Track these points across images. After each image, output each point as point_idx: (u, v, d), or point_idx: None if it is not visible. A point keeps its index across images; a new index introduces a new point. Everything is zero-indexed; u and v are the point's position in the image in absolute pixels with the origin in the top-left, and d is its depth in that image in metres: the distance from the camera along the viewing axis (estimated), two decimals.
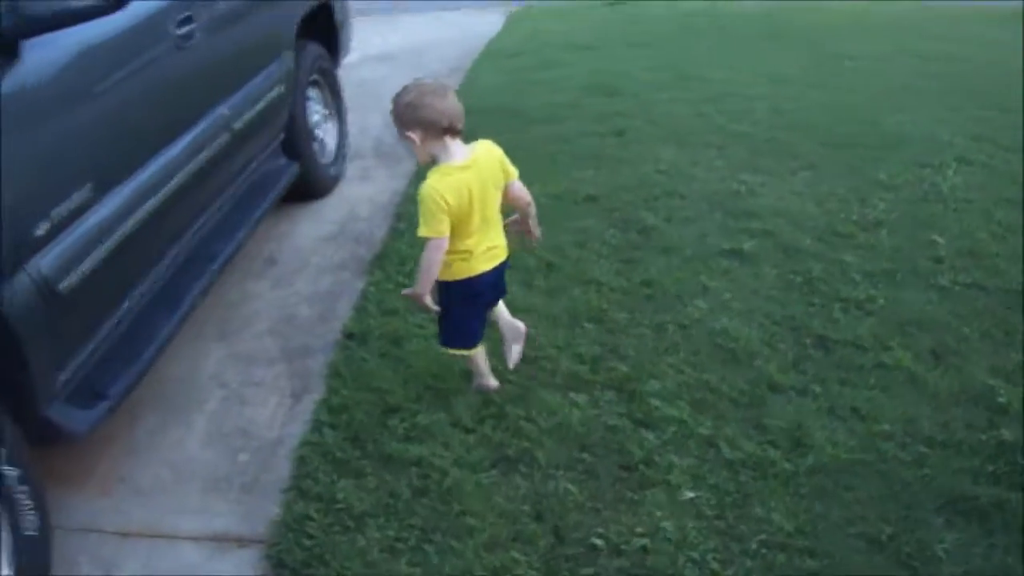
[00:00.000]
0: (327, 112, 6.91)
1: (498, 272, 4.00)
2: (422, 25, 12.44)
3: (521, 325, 4.32)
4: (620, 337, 4.59)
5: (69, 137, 3.48)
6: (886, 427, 3.90)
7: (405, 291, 4.01)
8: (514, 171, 3.94)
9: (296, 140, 6.10)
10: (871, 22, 11.45)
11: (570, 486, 3.66)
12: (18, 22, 3.12)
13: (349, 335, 4.83)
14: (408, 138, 3.72)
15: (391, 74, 10.04)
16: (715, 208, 5.94)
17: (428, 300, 3.82)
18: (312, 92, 6.57)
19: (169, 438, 4.25)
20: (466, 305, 4.00)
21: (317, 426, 4.17)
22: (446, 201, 3.63)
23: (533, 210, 4.10)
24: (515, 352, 4.34)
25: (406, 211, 6.15)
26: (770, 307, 4.78)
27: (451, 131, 3.69)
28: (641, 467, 3.73)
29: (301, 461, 3.97)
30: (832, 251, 5.33)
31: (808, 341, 4.50)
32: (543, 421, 4.02)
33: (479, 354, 4.20)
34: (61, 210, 3.37)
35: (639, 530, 3.43)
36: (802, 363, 4.35)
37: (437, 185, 3.65)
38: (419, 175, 6.60)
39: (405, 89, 3.75)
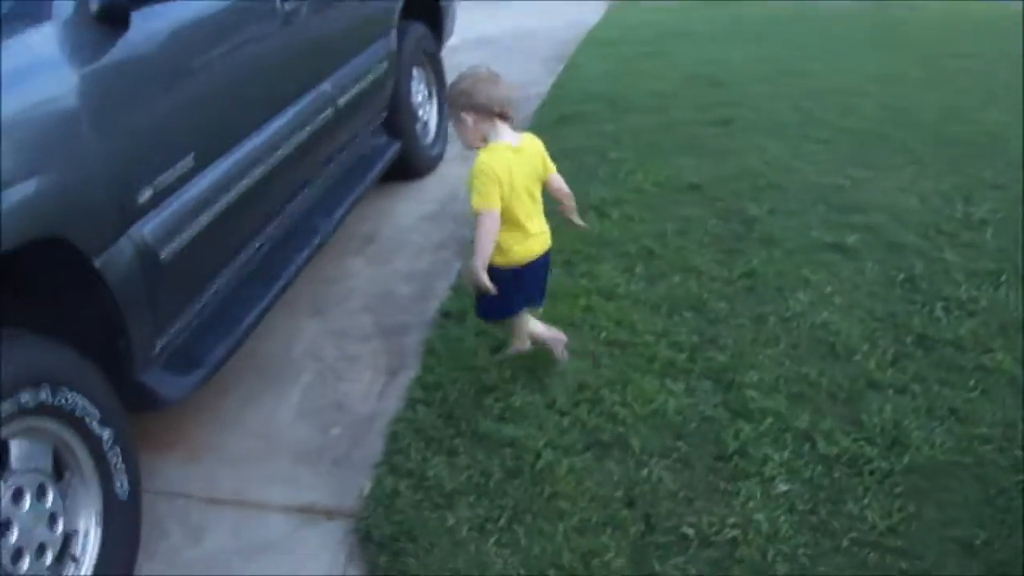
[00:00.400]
0: (429, 93, 6.91)
1: (545, 259, 4.13)
2: (524, 12, 12.41)
3: (560, 333, 4.31)
4: (719, 327, 4.53)
5: (174, 107, 3.52)
6: (984, 430, 3.79)
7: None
8: (552, 166, 4.10)
9: (399, 119, 6.12)
10: (971, 22, 11.23)
11: (663, 474, 3.61)
12: None
13: (446, 314, 4.82)
14: (461, 120, 3.92)
15: (492, 58, 9.95)
16: (819, 201, 5.84)
17: (484, 276, 3.82)
18: (415, 72, 6.57)
19: (261, 409, 4.28)
20: (511, 288, 4.02)
21: (411, 403, 4.16)
22: (497, 175, 3.78)
23: (572, 203, 4.26)
24: (559, 351, 4.30)
25: None
26: (871, 303, 4.69)
27: (502, 116, 3.88)
28: (736, 458, 3.67)
29: (393, 437, 3.96)
30: (935, 249, 5.21)
31: (908, 339, 4.40)
32: (638, 407, 3.97)
33: (531, 321, 4.24)
34: (165, 178, 3.41)
35: (731, 521, 3.37)
36: (902, 361, 4.25)
37: (489, 160, 3.82)
38: None
39: (460, 76, 4.00)
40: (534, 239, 4.01)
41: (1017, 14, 10.85)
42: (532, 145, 4.00)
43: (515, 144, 3.91)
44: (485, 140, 3.92)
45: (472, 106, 3.87)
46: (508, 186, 3.82)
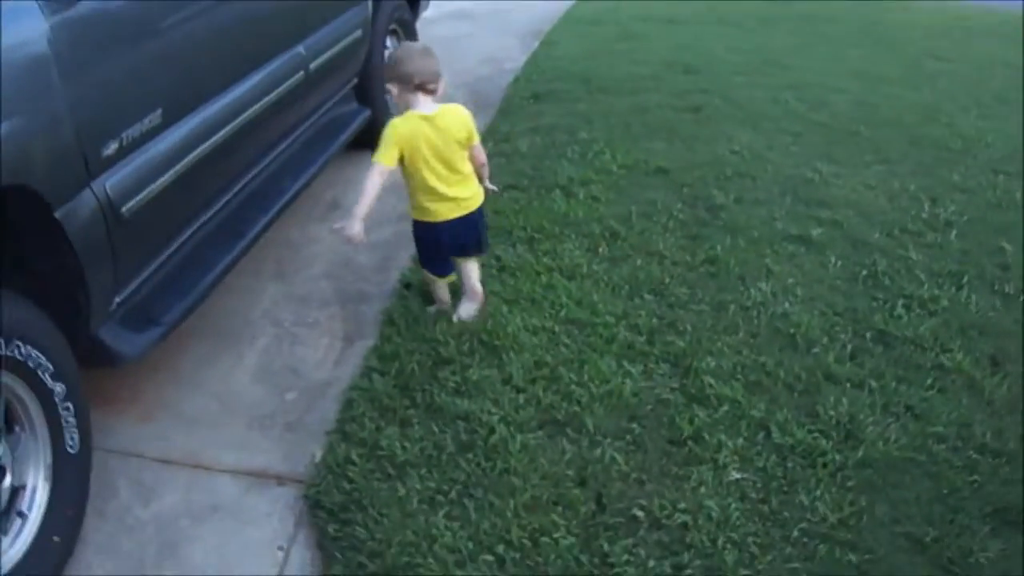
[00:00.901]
0: None
1: (462, 222, 4.30)
2: None
3: (479, 289, 4.55)
4: (679, 312, 4.53)
5: (144, 61, 3.47)
6: (940, 429, 3.81)
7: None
8: (476, 137, 4.29)
9: (369, 87, 6.08)
10: (963, 27, 11.25)
11: (616, 455, 3.61)
12: None
13: (406, 285, 4.82)
14: (388, 90, 4.28)
15: (468, 32, 10.01)
16: (786, 193, 5.84)
17: (359, 225, 4.07)
18: (390, 41, 6.53)
19: (217, 370, 4.26)
20: (428, 244, 4.42)
21: (367, 372, 4.15)
22: (399, 135, 4.08)
23: (486, 171, 4.50)
24: (463, 309, 4.53)
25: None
26: (833, 297, 4.70)
27: (422, 88, 4.13)
28: (690, 443, 3.68)
29: (348, 405, 3.96)
30: (900, 247, 5.23)
31: (868, 335, 4.42)
32: (595, 387, 3.97)
33: (441, 285, 4.54)
34: (131, 132, 3.37)
35: (682, 506, 3.37)
36: (860, 356, 4.27)
37: (396, 122, 4.13)
38: (490, 131, 6.64)
39: (396, 49, 4.38)
40: (447, 203, 4.24)
41: (1017, 19, 10.90)
42: (449, 115, 4.18)
43: (428, 113, 4.12)
44: (408, 108, 4.17)
45: (397, 77, 4.17)
46: (411, 149, 4.10)
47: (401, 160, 4.13)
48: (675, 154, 6.44)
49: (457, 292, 4.59)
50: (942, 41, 10.31)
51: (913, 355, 4.29)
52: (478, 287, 4.54)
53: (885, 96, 8.04)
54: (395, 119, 4.16)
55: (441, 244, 4.37)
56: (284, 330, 4.55)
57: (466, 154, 4.26)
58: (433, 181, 4.17)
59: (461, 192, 4.26)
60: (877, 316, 4.55)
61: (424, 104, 4.15)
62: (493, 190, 4.61)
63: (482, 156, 4.44)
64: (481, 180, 4.44)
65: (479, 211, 4.36)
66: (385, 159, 4.08)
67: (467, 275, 4.52)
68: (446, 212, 4.25)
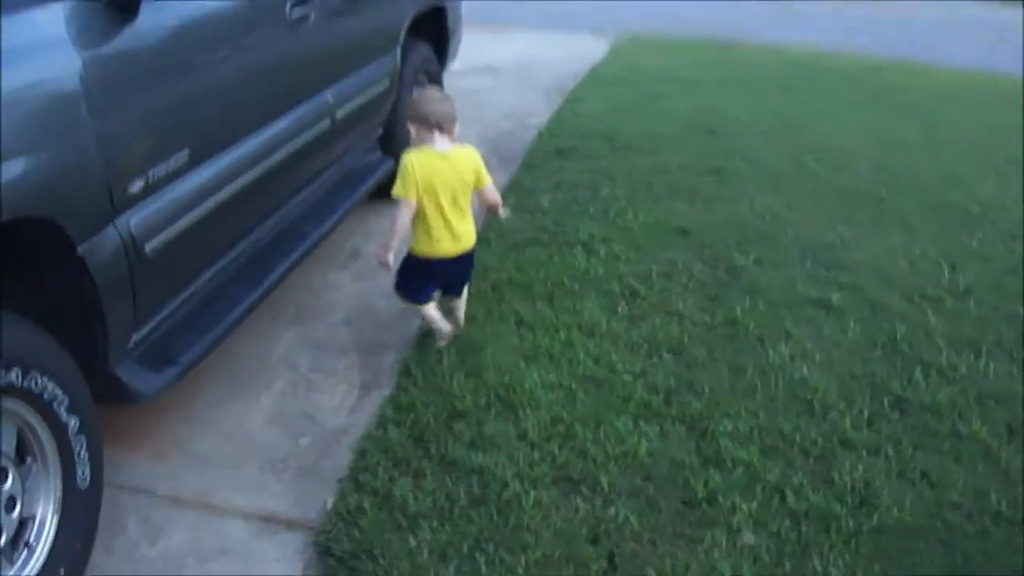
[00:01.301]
0: None
1: (459, 260, 4.56)
2: (528, 42, 12.42)
3: (462, 323, 4.82)
4: (697, 372, 4.52)
5: (174, 101, 3.50)
6: (955, 497, 3.79)
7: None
8: (487, 178, 4.57)
9: (394, 137, 6.08)
10: (974, 93, 11.26)
11: (630, 515, 3.58)
12: None
13: (425, 335, 4.79)
14: (408, 130, 4.52)
15: (493, 86, 10.04)
16: (806, 256, 5.83)
17: (390, 256, 4.38)
18: (416, 93, 6.54)
19: (232, 412, 4.24)
20: (422, 277, 4.59)
21: (382, 421, 4.14)
22: (417, 170, 4.30)
23: (501, 211, 4.80)
24: (443, 338, 4.72)
25: (495, 222, 6.11)
26: (851, 362, 4.68)
27: (439, 127, 4.41)
28: (704, 505, 3.66)
29: (362, 454, 3.94)
30: (919, 313, 5.22)
31: (886, 400, 4.39)
32: (610, 446, 3.95)
33: (428, 308, 4.67)
34: (157, 171, 3.39)
35: (694, 568, 3.35)
36: (877, 422, 4.25)
37: (412, 157, 4.35)
38: (512, 186, 6.65)
39: (418, 93, 4.70)
40: (447, 239, 4.47)
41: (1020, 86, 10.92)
42: (463, 156, 4.47)
43: (443, 151, 4.40)
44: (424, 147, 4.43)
45: (416, 117, 4.47)
46: (425, 184, 4.32)
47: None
48: (696, 214, 6.43)
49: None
50: (956, 107, 10.32)
51: (930, 422, 4.26)
52: (462, 320, 4.83)
53: (904, 161, 8.04)
54: (411, 153, 4.38)
55: (434, 278, 4.60)
56: (301, 375, 4.53)
57: (470, 194, 4.51)
58: (441, 217, 4.41)
59: (464, 230, 4.52)
60: (895, 382, 4.52)
61: (440, 143, 4.41)
62: (508, 215, 4.95)
63: (496, 197, 4.71)
64: (496, 209, 4.75)
65: (474, 251, 4.62)
66: (410, 194, 4.31)
67: (458, 309, 4.81)
68: (448, 248, 4.48)
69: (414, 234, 4.48)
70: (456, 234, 4.47)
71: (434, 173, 4.34)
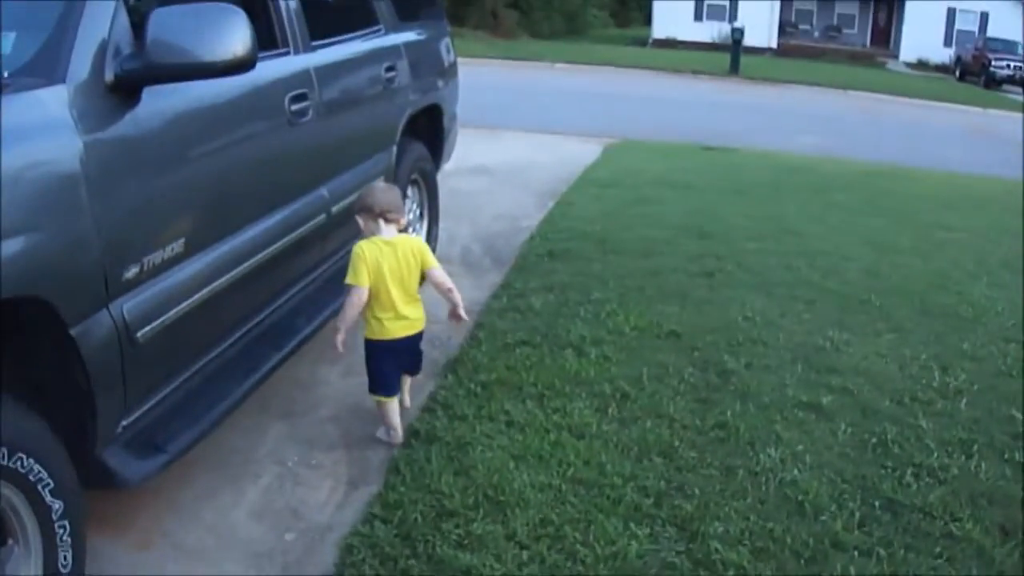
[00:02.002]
0: (420, 212, 6.94)
1: (411, 340, 4.78)
2: (521, 145, 12.55)
3: (408, 404, 5.04)
4: (688, 475, 4.48)
5: (172, 189, 3.54)
6: None
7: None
8: (433, 262, 4.83)
9: None
10: (970, 196, 11.37)
11: None
12: (145, 67, 3.22)
13: (414, 434, 4.77)
14: (356, 220, 4.71)
15: (486, 188, 10.12)
16: (797, 360, 5.84)
17: (339, 339, 4.58)
18: (410, 191, 6.60)
19: (217, 504, 4.20)
20: (384, 360, 4.73)
21: (369, 519, 4.08)
22: (367, 257, 4.52)
23: (456, 297, 4.89)
24: (394, 440, 4.80)
25: (487, 321, 6.14)
26: (842, 464, 4.65)
27: (383, 216, 4.63)
28: None
29: (348, 550, 3.88)
30: (910, 416, 5.21)
31: (877, 503, 4.35)
32: (600, 548, 3.89)
33: (394, 405, 4.79)
34: (153, 258, 3.41)
35: None
36: (869, 524, 4.20)
37: (363, 248, 4.57)
38: (504, 286, 6.66)
39: (364, 188, 4.84)
40: (401, 321, 4.68)
41: (1017, 188, 11.01)
42: (407, 243, 4.72)
43: (389, 239, 4.63)
44: (372, 235, 4.65)
45: (362, 208, 4.67)
46: (375, 271, 4.54)
47: None
48: (687, 318, 6.45)
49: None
50: (949, 211, 10.41)
51: (922, 523, 4.22)
52: (408, 401, 5.04)
53: (896, 265, 8.11)
54: (361, 243, 4.60)
55: (394, 359, 4.77)
56: (287, 470, 4.49)
57: (417, 279, 4.74)
58: (391, 301, 4.62)
59: (413, 313, 4.74)
60: (886, 484, 4.49)
61: (386, 231, 4.65)
62: (464, 319, 5.02)
63: (447, 281, 4.89)
64: (454, 308, 4.90)
65: (422, 333, 4.84)
66: (361, 281, 4.52)
67: (404, 388, 5.01)
68: (399, 330, 4.69)
69: (366, 322, 4.70)
70: (405, 318, 4.69)
71: (382, 260, 4.56)
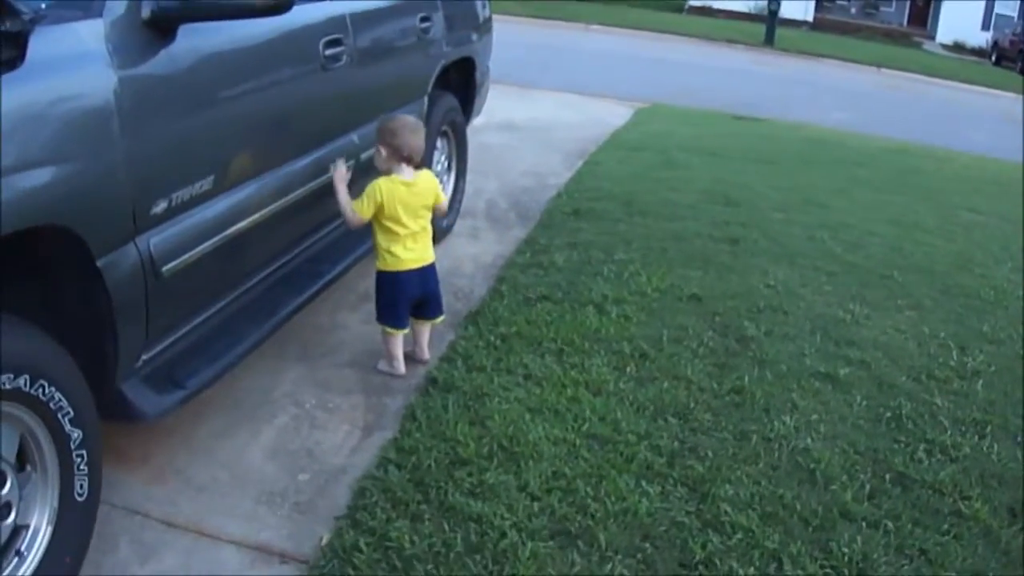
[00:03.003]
0: (449, 164, 6.94)
1: (423, 273, 4.90)
2: (552, 104, 12.51)
3: (427, 356, 5.10)
4: (701, 437, 4.50)
5: (203, 127, 3.56)
6: (952, 574, 3.76)
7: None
8: (443, 198, 5.11)
9: None
10: (995, 180, 11.30)
11: (626, 572, 3.55)
12: (182, 5, 3.24)
13: (432, 381, 4.80)
14: (379, 150, 4.74)
15: (514, 144, 10.10)
16: (817, 330, 5.84)
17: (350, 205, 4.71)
18: (439, 142, 6.60)
19: (233, 442, 4.23)
20: (394, 291, 4.85)
21: (383, 463, 4.12)
22: (381, 196, 4.64)
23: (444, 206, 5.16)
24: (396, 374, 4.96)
25: (509, 276, 6.15)
26: (855, 436, 4.66)
27: (408, 160, 4.72)
28: (701, 568, 3.62)
29: (361, 493, 3.92)
30: (925, 393, 5.21)
31: (887, 476, 4.37)
32: (611, 504, 3.92)
33: (399, 339, 4.92)
34: (181, 195, 3.43)
35: None
36: (878, 496, 4.22)
37: (382, 186, 4.66)
38: (528, 242, 6.67)
39: (394, 117, 4.84)
40: (411, 253, 4.81)
41: None
42: (424, 182, 4.84)
43: (409, 179, 4.73)
44: (390, 172, 4.73)
45: (389, 144, 4.68)
46: (389, 208, 4.67)
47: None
48: (709, 283, 6.45)
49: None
50: (976, 194, 10.34)
51: (931, 500, 4.23)
52: (427, 354, 5.08)
53: (919, 243, 8.07)
54: (380, 182, 4.68)
55: (405, 291, 4.85)
56: (304, 412, 4.52)
57: (430, 215, 4.91)
58: (403, 236, 4.75)
59: (423, 246, 4.88)
60: (898, 458, 4.50)
61: (406, 172, 4.74)
62: (443, 211, 5.21)
63: (444, 206, 5.17)
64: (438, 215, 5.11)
65: (434, 267, 4.99)
66: (366, 213, 4.67)
67: (423, 335, 5.08)
68: (410, 262, 4.81)
69: (379, 255, 4.82)
70: (415, 250, 4.83)
71: (399, 200, 4.68)
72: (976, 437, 4.80)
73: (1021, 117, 15.26)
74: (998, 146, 12.44)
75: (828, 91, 14.89)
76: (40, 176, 2.68)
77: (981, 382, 5.41)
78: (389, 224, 4.71)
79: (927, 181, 10.75)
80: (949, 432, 4.79)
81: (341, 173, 4.68)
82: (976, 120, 14.79)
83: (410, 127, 4.75)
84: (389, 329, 4.88)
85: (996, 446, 4.72)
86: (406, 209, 4.71)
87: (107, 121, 2.96)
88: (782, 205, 8.75)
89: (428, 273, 4.93)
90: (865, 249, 7.62)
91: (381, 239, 4.76)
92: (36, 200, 2.69)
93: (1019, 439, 4.84)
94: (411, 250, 4.79)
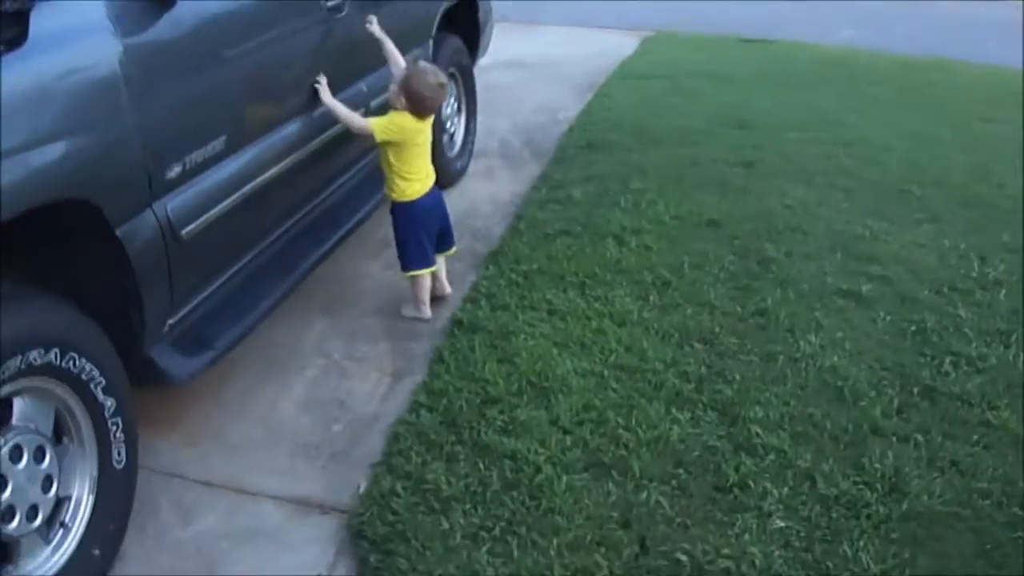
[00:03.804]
0: (459, 107, 6.92)
1: (433, 197, 4.96)
2: (557, 39, 12.40)
3: (448, 289, 5.19)
4: (728, 361, 4.53)
5: (211, 88, 3.56)
6: (984, 485, 3.77)
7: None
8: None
9: None
10: (1015, 91, 11.14)
11: (661, 499, 3.60)
12: None
13: (457, 323, 4.83)
14: (398, 92, 4.71)
15: (523, 82, 10.04)
16: (837, 248, 5.82)
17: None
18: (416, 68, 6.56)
19: (264, 399, 4.28)
20: (416, 223, 4.87)
21: (415, 407, 4.16)
22: (404, 131, 4.71)
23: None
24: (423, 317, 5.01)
25: (527, 213, 6.15)
26: (881, 352, 4.68)
27: (427, 114, 4.77)
28: (735, 490, 3.66)
29: (394, 438, 3.96)
30: (948, 305, 5.21)
31: (915, 390, 4.39)
32: (642, 432, 3.96)
33: (427, 281, 4.97)
34: (195, 157, 3.44)
35: (725, 551, 3.35)
36: (907, 411, 4.24)
37: (400, 122, 4.70)
38: (543, 178, 6.66)
39: (424, 66, 4.86)
40: (418, 180, 4.85)
41: None
42: (430, 120, 4.86)
43: (424, 121, 4.78)
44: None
45: (413, 95, 4.65)
46: (410, 142, 4.75)
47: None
48: (727, 207, 6.43)
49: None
50: (990, 105, 10.23)
51: (959, 411, 4.25)
52: (448, 288, 5.18)
53: (935, 156, 7.99)
54: (406, 117, 4.70)
55: (424, 223, 4.89)
56: (332, 363, 4.56)
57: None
58: (419, 166, 4.83)
59: (430, 169, 4.95)
60: (924, 372, 4.52)
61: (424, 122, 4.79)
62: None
63: None
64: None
65: (440, 190, 5.08)
66: (380, 134, 4.66)
67: (439, 272, 5.12)
68: (422, 188, 4.86)
69: (394, 186, 4.83)
70: (424, 174, 4.89)
71: (412, 134, 4.74)
72: (1001, 347, 4.80)
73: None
74: (1012, 55, 12.29)
75: (834, 8, 14.70)
76: (53, 152, 2.70)
77: (1004, 292, 5.40)
78: (409, 156, 4.77)
79: (941, 94, 10.63)
80: (974, 343, 4.80)
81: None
82: (988, 29, 14.61)
83: (435, 84, 4.73)
84: (416, 271, 4.91)
85: (1022, 355, 4.72)
86: (424, 143, 4.83)
87: (115, 90, 2.96)
88: (796, 125, 8.67)
89: (438, 197, 5.01)
90: (881, 165, 7.56)
91: (396, 171, 4.80)
92: (51, 176, 2.71)
93: None
94: (419, 177, 4.85)
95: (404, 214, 4.86)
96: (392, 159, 4.76)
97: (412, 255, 4.89)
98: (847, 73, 11.28)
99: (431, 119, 4.84)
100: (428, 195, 4.88)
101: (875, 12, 15.15)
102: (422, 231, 4.87)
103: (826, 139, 8.22)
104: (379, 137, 4.65)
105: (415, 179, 4.82)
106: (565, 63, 10.93)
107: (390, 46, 5.00)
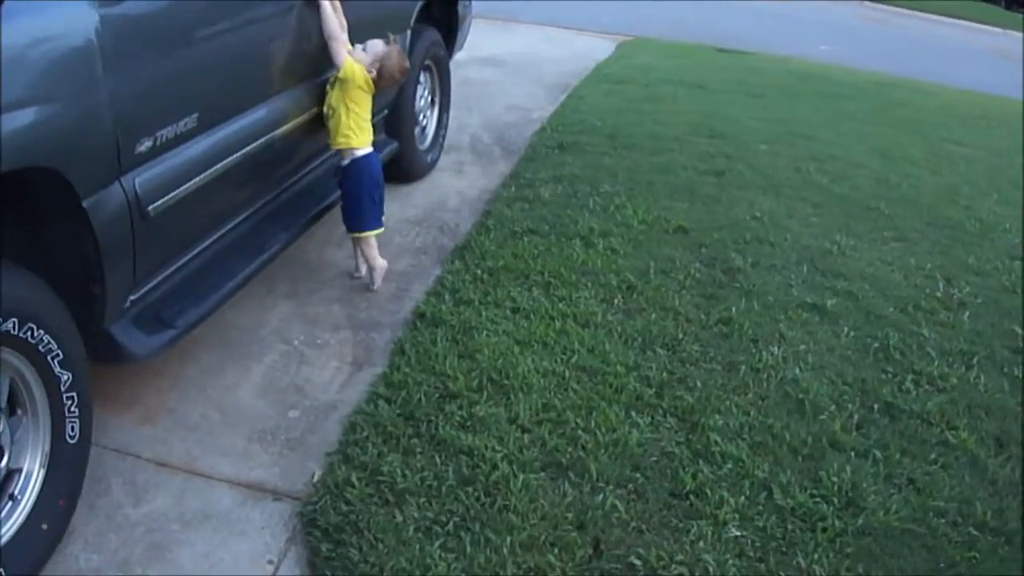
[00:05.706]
0: (432, 99, 6.90)
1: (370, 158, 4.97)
2: (534, 38, 12.44)
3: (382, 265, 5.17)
4: (690, 368, 4.52)
5: (186, 65, 3.53)
6: (941, 504, 3.80)
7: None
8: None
9: (399, 120, 6.10)
10: (981, 115, 11.28)
11: (617, 502, 3.58)
12: None
13: (420, 315, 4.80)
14: (371, 67, 4.80)
15: (498, 79, 10.05)
16: (803, 261, 5.84)
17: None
18: (422, 77, 6.56)
19: (222, 381, 4.24)
20: (371, 181, 4.95)
21: (373, 398, 4.13)
22: (363, 78, 4.76)
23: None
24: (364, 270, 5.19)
25: (495, 210, 6.14)
26: (843, 366, 4.69)
27: (387, 85, 4.98)
28: (691, 497, 3.66)
29: (351, 428, 3.93)
30: (912, 323, 5.24)
31: (876, 406, 4.41)
32: (601, 435, 3.95)
33: (374, 244, 5.08)
34: (166, 133, 3.41)
35: (679, 558, 3.35)
36: (866, 426, 4.26)
37: (363, 73, 4.75)
38: (513, 176, 6.65)
39: (398, 50, 4.94)
40: (368, 132, 4.92)
41: None
42: None
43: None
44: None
45: (387, 71, 4.83)
46: (359, 84, 4.73)
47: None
48: (696, 215, 6.44)
49: None
50: (962, 127, 10.33)
51: (919, 429, 4.28)
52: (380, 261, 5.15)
53: (905, 175, 8.06)
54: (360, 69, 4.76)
55: (378, 176, 5.02)
56: (293, 349, 4.53)
57: None
58: (368, 118, 4.91)
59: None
60: (886, 389, 4.54)
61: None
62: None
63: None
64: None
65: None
66: (349, 70, 4.69)
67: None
68: (369, 139, 4.95)
69: (351, 134, 4.80)
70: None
71: (366, 91, 4.79)
72: (963, 368, 4.83)
73: (1004, 50, 15.21)
74: (986, 80, 12.41)
75: (811, 24, 14.81)
76: (23, 117, 2.66)
77: (968, 313, 5.45)
78: (363, 99, 4.81)
79: (913, 114, 10.72)
80: (936, 363, 4.83)
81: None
82: (961, 54, 14.75)
83: (403, 67, 4.94)
84: (370, 232, 5.00)
85: (983, 376, 4.76)
86: (366, 96, 4.84)
87: (90, 60, 2.93)
88: (768, 137, 8.72)
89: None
90: (851, 181, 7.61)
91: (355, 111, 4.79)
92: (20, 142, 2.66)
93: (1006, 370, 4.87)
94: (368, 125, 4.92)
95: (360, 170, 4.89)
96: (351, 104, 4.75)
97: (368, 213, 4.95)
98: (821, 88, 11.38)
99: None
100: (367, 154, 4.92)
101: (851, 29, 15.25)
102: (375, 188, 4.94)
103: (797, 152, 8.27)
104: (345, 73, 4.67)
105: (368, 128, 4.87)
106: (541, 63, 10.96)
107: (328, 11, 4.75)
